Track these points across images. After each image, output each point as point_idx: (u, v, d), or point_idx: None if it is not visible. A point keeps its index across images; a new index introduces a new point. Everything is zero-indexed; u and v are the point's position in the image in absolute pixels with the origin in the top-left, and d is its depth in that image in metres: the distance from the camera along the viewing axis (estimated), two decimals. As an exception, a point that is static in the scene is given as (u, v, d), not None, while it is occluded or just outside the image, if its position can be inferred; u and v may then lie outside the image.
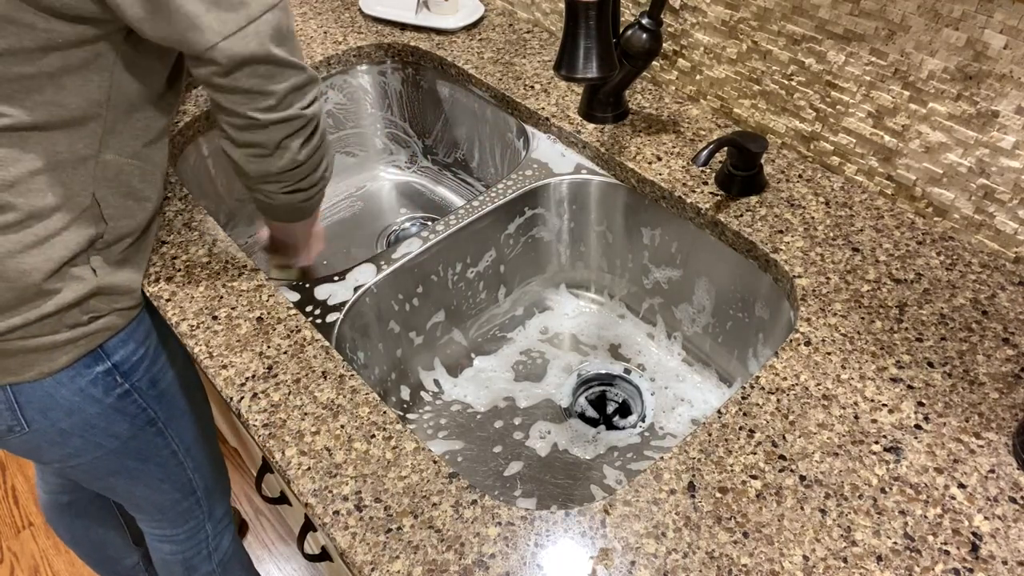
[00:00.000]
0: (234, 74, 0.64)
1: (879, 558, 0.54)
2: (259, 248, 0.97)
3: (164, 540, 1.04)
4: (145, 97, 0.71)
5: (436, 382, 0.97)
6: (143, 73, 0.69)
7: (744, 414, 0.64)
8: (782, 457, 0.61)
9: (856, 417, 0.63)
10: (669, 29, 0.97)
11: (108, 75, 0.66)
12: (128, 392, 0.81)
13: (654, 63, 1.02)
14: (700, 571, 0.54)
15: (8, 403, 0.74)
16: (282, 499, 1.03)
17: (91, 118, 0.67)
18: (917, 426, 0.62)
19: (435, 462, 0.62)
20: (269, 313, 0.75)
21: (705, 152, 0.76)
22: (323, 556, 1.00)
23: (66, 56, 0.62)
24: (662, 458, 0.61)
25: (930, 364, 0.67)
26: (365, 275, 0.83)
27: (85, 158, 0.68)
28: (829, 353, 0.68)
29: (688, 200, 0.85)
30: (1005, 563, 0.54)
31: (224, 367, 0.70)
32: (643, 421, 0.92)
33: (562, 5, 0.99)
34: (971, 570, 0.54)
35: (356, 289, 0.82)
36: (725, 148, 0.83)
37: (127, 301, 0.77)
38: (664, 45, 0.99)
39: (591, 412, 0.94)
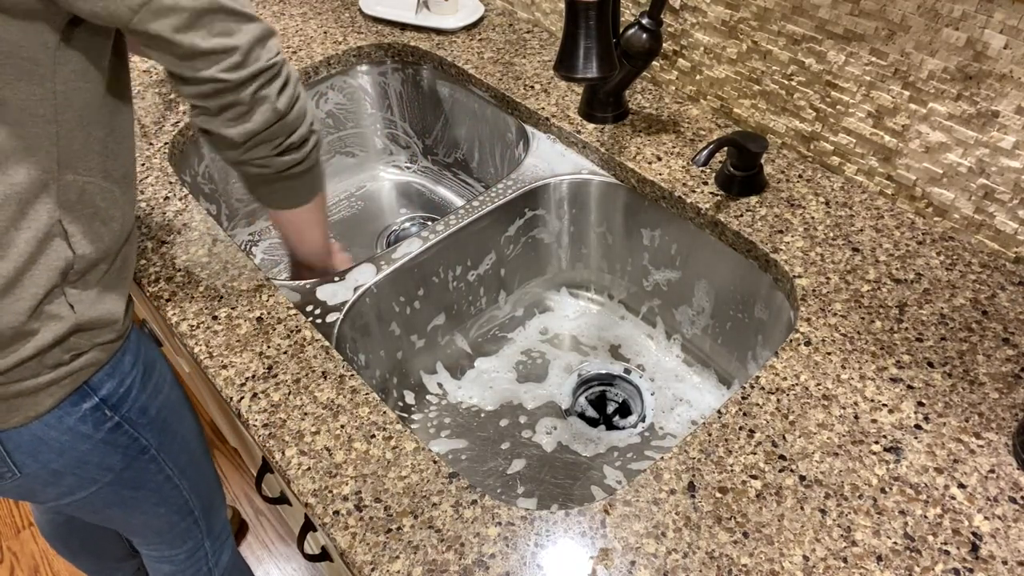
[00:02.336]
0: (189, 33, 0.60)
1: (879, 558, 0.54)
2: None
3: (163, 561, 1.01)
4: (94, 108, 0.66)
5: (440, 384, 0.97)
6: (85, 81, 0.64)
7: (744, 414, 0.64)
8: (782, 457, 0.61)
9: (856, 417, 0.63)
10: (669, 29, 0.97)
11: (50, 85, 0.61)
12: (119, 424, 0.77)
13: (654, 63, 1.02)
14: (700, 571, 0.54)
15: None
16: (282, 499, 1.03)
17: (42, 137, 0.62)
18: (917, 426, 0.62)
19: (435, 462, 0.62)
20: (269, 313, 0.75)
21: (705, 152, 0.76)
22: (323, 556, 1.00)
23: (2, 66, 0.58)
24: (662, 458, 0.61)
25: (930, 364, 0.67)
26: (365, 275, 0.83)
27: (45, 184, 0.63)
28: (829, 353, 0.68)
29: (688, 200, 0.85)
30: (1005, 563, 0.54)
31: (224, 367, 0.70)
32: (643, 421, 0.92)
33: (562, 5, 0.99)
34: (971, 570, 0.54)
35: (356, 289, 0.82)
36: (725, 148, 0.83)
37: (108, 334, 0.72)
38: (664, 45, 0.99)
39: (591, 412, 0.94)
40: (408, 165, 1.29)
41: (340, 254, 0.91)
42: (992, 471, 0.59)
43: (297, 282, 0.82)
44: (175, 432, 0.86)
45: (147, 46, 0.62)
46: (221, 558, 1.07)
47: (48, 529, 1.15)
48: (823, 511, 0.57)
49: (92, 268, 0.69)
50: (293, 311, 0.75)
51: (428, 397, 0.96)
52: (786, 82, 0.87)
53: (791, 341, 0.70)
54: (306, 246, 0.83)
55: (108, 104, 0.67)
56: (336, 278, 0.82)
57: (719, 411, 0.64)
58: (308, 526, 0.85)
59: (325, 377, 0.69)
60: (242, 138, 0.68)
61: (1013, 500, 0.57)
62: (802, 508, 0.58)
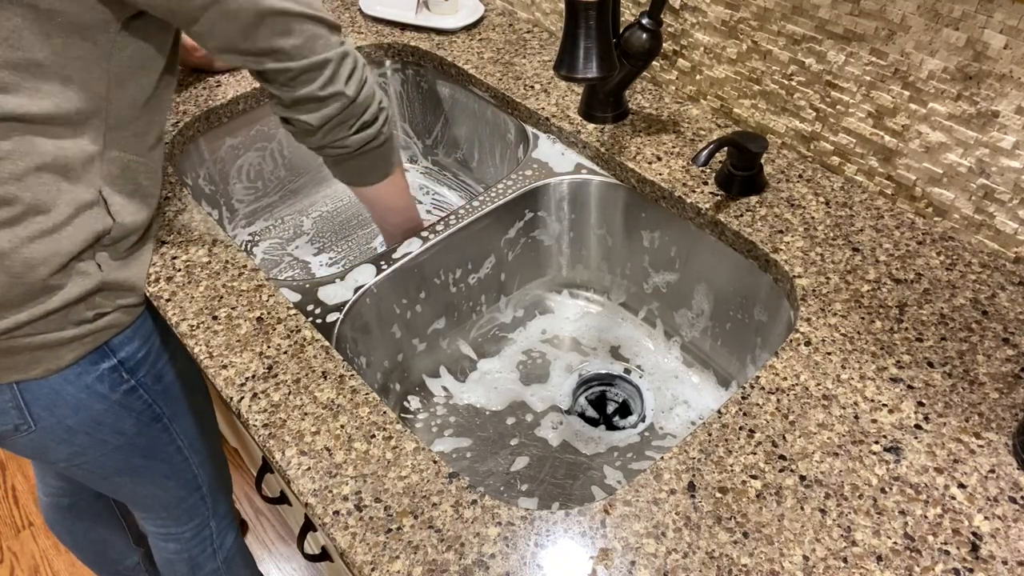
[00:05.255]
0: (252, 35, 0.65)
1: (879, 558, 0.54)
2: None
3: (169, 539, 1.04)
4: (142, 92, 0.71)
5: (444, 387, 0.97)
6: (139, 67, 0.69)
7: (744, 414, 0.64)
8: (782, 457, 0.61)
9: (856, 417, 0.63)
10: (669, 29, 0.97)
11: (106, 66, 0.66)
12: (134, 388, 0.81)
13: (654, 63, 1.02)
14: (700, 571, 0.54)
15: (15, 401, 0.74)
16: (282, 499, 1.03)
17: (93, 112, 0.67)
18: (917, 426, 0.62)
19: (435, 462, 0.62)
20: (269, 313, 0.75)
21: (705, 152, 0.76)
22: (323, 556, 1.00)
23: (68, 43, 0.62)
24: (662, 458, 0.61)
25: (930, 364, 0.67)
26: (365, 275, 0.83)
27: (92, 155, 0.69)
28: (829, 353, 0.68)
29: (688, 200, 0.85)
30: (1005, 563, 0.54)
31: (224, 367, 0.70)
32: (643, 421, 0.92)
33: (562, 5, 0.99)
34: (971, 570, 0.54)
35: (356, 290, 0.82)
36: (725, 148, 0.83)
37: (131, 298, 0.77)
38: (664, 45, 0.99)
39: (591, 412, 0.94)
40: (408, 165, 1.29)
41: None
42: (992, 471, 0.59)
43: (302, 283, 0.82)
44: (188, 405, 0.91)
45: (215, 48, 0.68)
46: (225, 539, 1.09)
47: (52, 515, 1.15)
48: (823, 511, 0.57)
49: (125, 237, 0.74)
50: (293, 311, 0.75)
51: (432, 398, 0.96)
52: (786, 82, 0.87)
53: (791, 341, 0.70)
54: (394, 216, 0.90)
55: (157, 90, 0.73)
56: (337, 279, 0.82)
57: (719, 411, 0.64)
58: (308, 526, 0.86)
59: (325, 377, 0.69)
60: (319, 123, 0.73)
61: (1013, 500, 0.57)
62: (802, 508, 0.58)
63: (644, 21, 0.85)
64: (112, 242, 0.73)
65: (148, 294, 0.79)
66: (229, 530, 1.10)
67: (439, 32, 1.17)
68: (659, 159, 0.91)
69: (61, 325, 0.72)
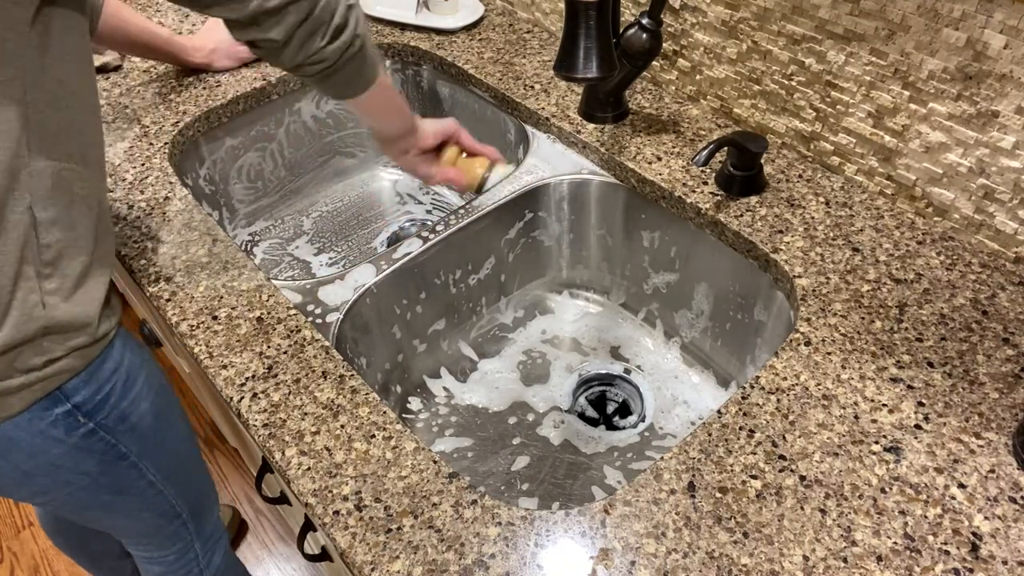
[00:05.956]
0: None
1: (879, 558, 0.54)
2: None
3: (152, 562, 1.00)
4: (68, 89, 0.63)
5: (445, 388, 0.97)
6: (57, 61, 0.61)
7: (744, 414, 0.64)
8: (782, 457, 0.61)
9: (856, 417, 0.63)
10: (669, 29, 0.97)
11: (20, 64, 0.58)
12: (93, 431, 0.74)
13: (654, 63, 1.02)
14: (700, 571, 0.54)
15: None
16: (282, 499, 1.03)
17: (10, 120, 0.59)
18: (917, 426, 0.62)
19: (435, 462, 0.62)
20: (269, 313, 0.75)
21: (705, 152, 0.76)
22: (323, 556, 1.00)
23: None
24: (662, 458, 0.61)
25: (930, 364, 0.67)
26: (365, 275, 0.83)
27: (16, 170, 0.60)
28: (829, 353, 0.68)
29: (688, 200, 0.85)
30: (1005, 563, 0.54)
31: (224, 367, 0.70)
32: (643, 421, 0.92)
33: (562, 5, 0.99)
34: (971, 570, 0.54)
35: (356, 289, 0.82)
36: (725, 148, 0.83)
37: (83, 339, 0.69)
38: (664, 45, 0.99)
39: (591, 412, 0.94)
40: (408, 165, 1.29)
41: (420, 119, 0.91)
42: (992, 471, 0.59)
43: (302, 283, 0.82)
44: (160, 439, 0.83)
45: None
46: (212, 559, 1.06)
47: (48, 523, 1.15)
48: (823, 511, 0.57)
49: (68, 260, 0.66)
50: (293, 311, 0.75)
51: (432, 399, 0.96)
52: (786, 82, 0.87)
53: (791, 341, 0.70)
54: (389, 122, 0.84)
55: (80, 85, 0.64)
56: (337, 279, 0.82)
57: (719, 411, 0.64)
58: (308, 526, 0.85)
59: (325, 377, 0.69)
60: (285, 35, 0.65)
61: (1013, 500, 0.57)
62: (802, 508, 0.58)
63: (644, 21, 0.85)
64: (52, 268, 0.64)
65: (148, 295, 0.79)
66: (216, 548, 1.05)
67: (439, 32, 1.17)
68: (659, 159, 0.91)
69: (8, 373, 0.65)
